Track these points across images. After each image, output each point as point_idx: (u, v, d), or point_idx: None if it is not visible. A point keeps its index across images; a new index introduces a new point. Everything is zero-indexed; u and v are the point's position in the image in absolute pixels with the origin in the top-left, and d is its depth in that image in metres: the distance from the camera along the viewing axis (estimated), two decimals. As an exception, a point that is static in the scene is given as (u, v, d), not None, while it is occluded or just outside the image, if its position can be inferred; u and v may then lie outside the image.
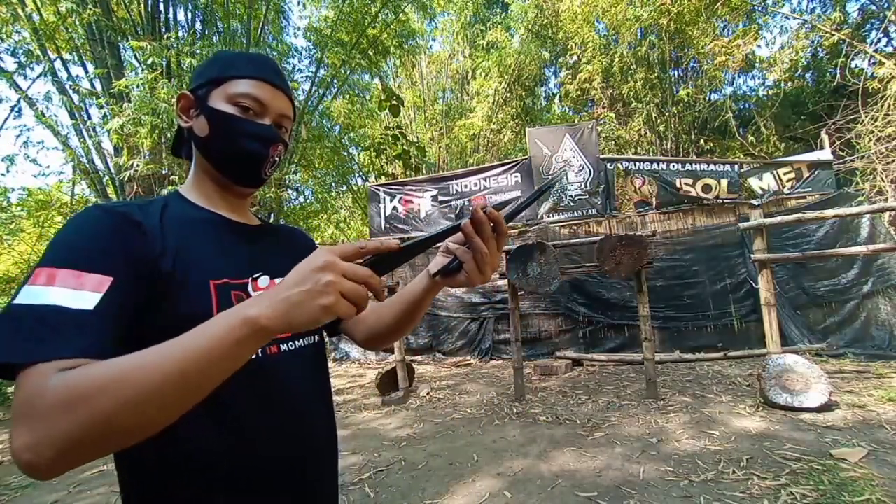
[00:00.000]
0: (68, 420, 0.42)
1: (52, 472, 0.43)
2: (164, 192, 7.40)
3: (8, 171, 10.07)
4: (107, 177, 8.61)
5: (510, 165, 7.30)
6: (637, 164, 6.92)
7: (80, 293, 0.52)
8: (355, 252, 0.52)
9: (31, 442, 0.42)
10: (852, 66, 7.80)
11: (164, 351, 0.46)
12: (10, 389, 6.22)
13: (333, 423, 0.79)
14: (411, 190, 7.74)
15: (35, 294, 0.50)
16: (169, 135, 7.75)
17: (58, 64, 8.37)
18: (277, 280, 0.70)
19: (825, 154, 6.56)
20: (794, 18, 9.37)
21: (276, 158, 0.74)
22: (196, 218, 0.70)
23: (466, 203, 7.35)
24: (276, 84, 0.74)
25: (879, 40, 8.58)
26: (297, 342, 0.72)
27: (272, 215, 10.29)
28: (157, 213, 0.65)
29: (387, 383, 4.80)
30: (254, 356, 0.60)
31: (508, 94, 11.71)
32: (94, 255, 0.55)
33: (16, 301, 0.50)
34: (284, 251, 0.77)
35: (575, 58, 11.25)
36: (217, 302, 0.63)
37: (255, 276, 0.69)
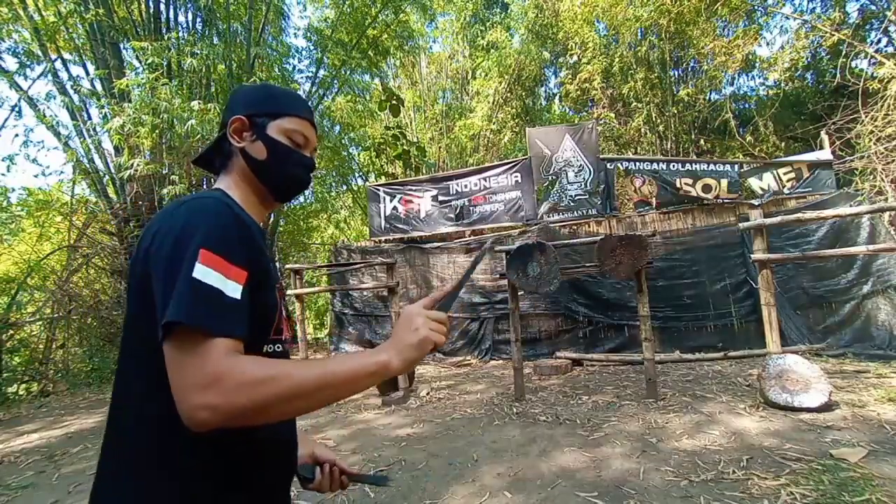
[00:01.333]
0: (249, 397, 0.56)
1: (212, 429, 0.56)
2: (165, 191, 7.41)
3: (8, 171, 10.07)
4: (107, 177, 8.61)
5: (510, 165, 7.30)
6: (637, 164, 6.92)
7: (229, 282, 0.62)
8: (432, 302, 0.79)
9: (214, 403, 0.55)
10: (852, 66, 7.80)
11: (319, 368, 0.62)
12: (11, 389, 6.22)
13: None
14: (411, 190, 7.74)
15: (204, 272, 0.60)
16: (169, 135, 7.75)
17: (58, 64, 8.38)
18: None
19: (825, 154, 6.56)
20: (794, 18, 9.38)
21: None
22: (255, 226, 0.80)
23: (466, 203, 7.35)
24: (314, 123, 0.91)
25: (879, 40, 8.58)
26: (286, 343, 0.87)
27: (272, 215, 10.30)
28: (251, 223, 0.76)
29: (387, 383, 4.80)
30: (280, 349, 0.78)
31: (508, 94, 11.71)
32: (236, 248, 0.65)
33: (193, 274, 0.59)
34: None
35: (575, 58, 11.26)
36: (280, 296, 0.79)
37: (280, 282, 0.84)
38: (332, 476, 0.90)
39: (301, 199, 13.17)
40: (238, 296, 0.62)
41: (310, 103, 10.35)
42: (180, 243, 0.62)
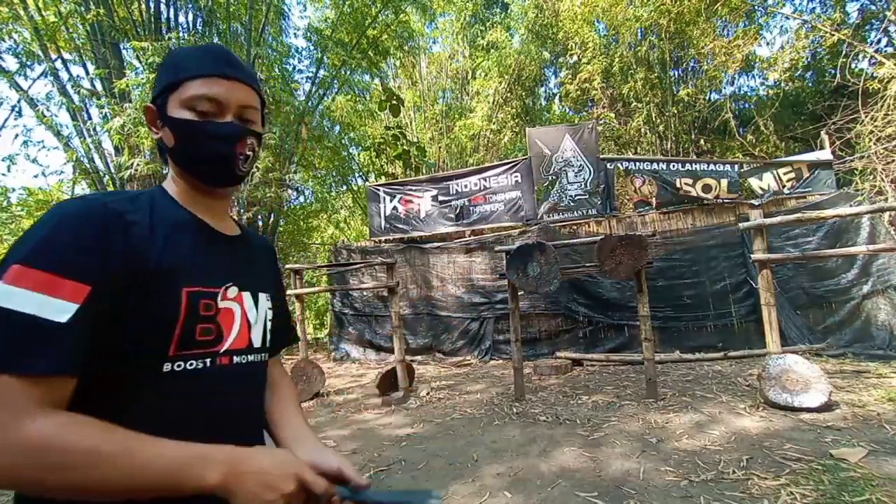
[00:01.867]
0: (29, 473, 0.47)
1: None
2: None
3: (9, 171, 10.07)
4: (107, 177, 8.61)
5: (510, 165, 7.30)
6: (637, 164, 6.92)
7: (54, 301, 0.50)
8: (321, 472, 0.62)
9: None
10: (852, 66, 7.81)
11: (130, 461, 0.50)
12: None
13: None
14: (411, 190, 7.74)
15: (8, 294, 0.49)
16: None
17: (58, 64, 8.38)
18: (245, 294, 0.72)
19: (825, 154, 6.56)
20: (794, 18, 9.37)
21: (249, 153, 0.73)
22: (181, 220, 0.69)
23: (466, 203, 7.35)
24: (230, 75, 0.70)
25: (879, 40, 8.58)
26: (250, 356, 0.73)
27: (272, 215, 10.30)
28: (146, 210, 0.65)
29: (387, 383, 4.80)
30: (203, 366, 0.65)
31: (508, 94, 11.71)
32: (74, 257, 0.54)
33: None
34: (256, 263, 0.81)
35: (575, 58, 11.26)
36: (186, 309, 0.62)
37: (227, 285, 0.69)
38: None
39: (301, 199, 13.18)
40: (64, 318, 0.50)
41: (310, 103, 10.32)
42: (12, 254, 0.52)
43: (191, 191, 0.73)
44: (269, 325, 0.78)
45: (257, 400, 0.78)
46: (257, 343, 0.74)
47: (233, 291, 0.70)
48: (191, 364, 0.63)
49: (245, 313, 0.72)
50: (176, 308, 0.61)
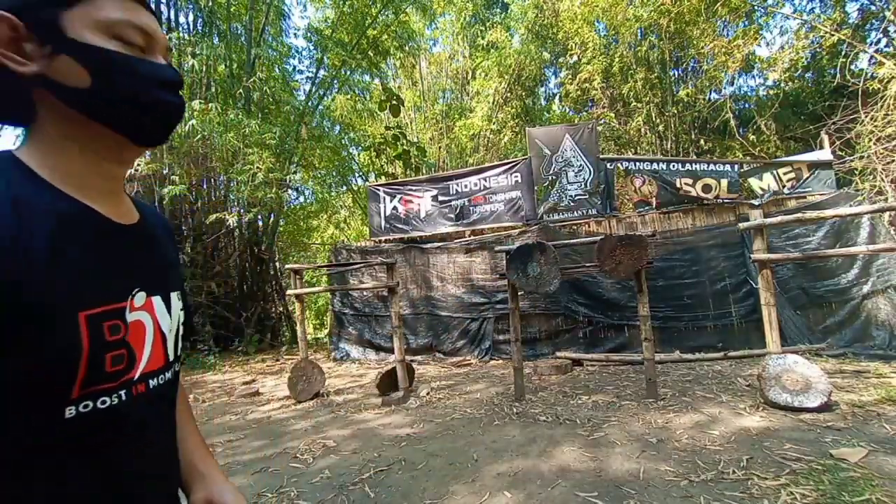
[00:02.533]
0: None
1: None
2: (165, 191, 7.40)
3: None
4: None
5: (510, 165, 7.30)
6: (637, 164, 6.92)
7: None
8: None
9: None
10: (852, 66, 7.81)
11: None
12: None
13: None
14: (411, 190, 7.74)
15: None
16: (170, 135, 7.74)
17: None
18: (154, 298, 0.58)
19: (825, 154, 6.56)
20: (794, 18, 9.38)
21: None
22: (66, 215, 0.49)
23: (466, 203, 7.35)
24: (149, 5, 0.56)
25: (879, 40, 8.58)
26: (167, 374, 0.60)
27: (272, 215, 10.31)
28: (6, 209, 0.44)
29: (387, 383, 4.80)
30: (116, 401, 0.51)
31: (508, 95, 11.71)
32: None
33: None
34: (160, 254, 0.64)
35: (575, 58, 11.26)
36: (88, 340, 0.47)
37: (133, 293, 0.54)
38: None
39: (301, 199, 13.15)
40: None
41: (310, 103, 10.38)
42: None
43: (80, 164, 0.52)
44: (181, 329, 0.64)
45: (173, 430, 0.65)
46: (172, 356, 0.61)
47: (140, 298, 0.55)
48: (102, 402, 0.49)
49: (157, 323, 0.57)
50: (76, 341, 0.46)
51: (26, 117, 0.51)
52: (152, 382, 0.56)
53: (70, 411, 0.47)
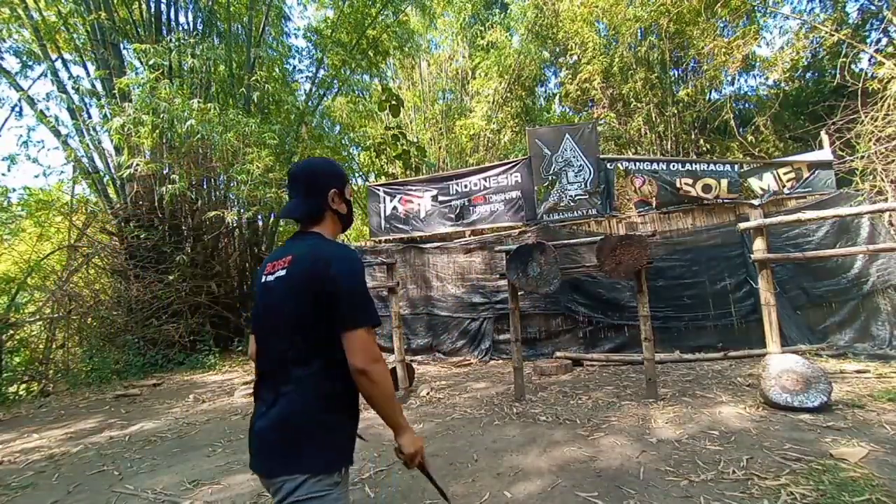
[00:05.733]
0: (381, 374, 1.12)
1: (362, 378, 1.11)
2: (164, 191, 7.41)
3: (9, 171, 10.07)
4: (107, 176, 8.61)
5: (510, 165, 7.30)
6: (637, 164, 6.91)
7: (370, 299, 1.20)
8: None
9: (375, 369, 1.10)
10: (852, 66, 7.80)
11: (396, 406, 1.18)
12: (11, 389, 6.23)
13: None
14: (411, 190, 7.74)
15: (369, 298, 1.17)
16: (170, 134, 7.76)
17: (58, 64, 8.38)
18: None
19: (825, 154, 6.56)
20: (795, 18, 9.37)
21: None
22: None
23: (466, 203, 7.34)
24: None
25: (879, 40, 8.58)
26: None
27: (273, 215, 10.31)
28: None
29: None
30: None
31: (508, 94, 11.70)
32: None
33: (367, 299, 1.14)
34: None
35: (575, 58, 11.26)
36: None
37: None
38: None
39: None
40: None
41: (310, 103, 10.40)
42: (357, 276, 1.14)
43: (333, 236, 1.30)
44: None
45: None
46: None
47: None
48: None
49: None
50: None
51: (318, 219, 1.27)
52: None
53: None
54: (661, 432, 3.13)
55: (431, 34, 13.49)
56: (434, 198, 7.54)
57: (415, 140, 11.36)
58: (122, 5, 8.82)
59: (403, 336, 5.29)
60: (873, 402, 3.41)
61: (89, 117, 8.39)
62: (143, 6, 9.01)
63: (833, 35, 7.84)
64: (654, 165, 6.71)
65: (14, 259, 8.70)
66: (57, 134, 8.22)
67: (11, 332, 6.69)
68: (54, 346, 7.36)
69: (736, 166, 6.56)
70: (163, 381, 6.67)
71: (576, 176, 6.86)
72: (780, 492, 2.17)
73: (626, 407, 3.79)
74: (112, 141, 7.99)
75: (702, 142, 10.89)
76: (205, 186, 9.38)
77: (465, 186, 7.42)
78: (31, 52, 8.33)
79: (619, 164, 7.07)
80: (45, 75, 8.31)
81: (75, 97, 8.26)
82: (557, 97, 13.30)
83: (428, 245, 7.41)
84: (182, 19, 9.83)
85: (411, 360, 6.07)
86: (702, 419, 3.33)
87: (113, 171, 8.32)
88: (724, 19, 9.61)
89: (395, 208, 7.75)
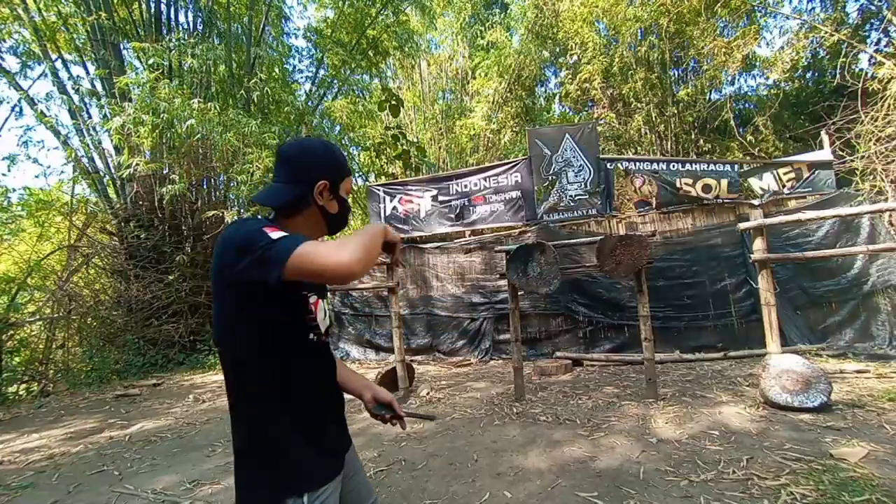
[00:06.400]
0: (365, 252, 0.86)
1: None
2: (165, 190, 7.42)
3: (9, 171, 10.08)
4: (107, 176, 8.60)
5: (510, 165, 7.30)
6: (637, 163, 6.92)
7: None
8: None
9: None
10: (852, 66, 7.80)
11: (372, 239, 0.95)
12: (11, 389, 6.23)
13: None
14: (411, 190, 7.74)
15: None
16: (169, 134, 7.76)
17: (58, 64, 8.38)
18: (320, 300, 1.08)
19: (825, 154, 6.56)
20: (794, 18, 9.37)
21: None
22: None
23: (466, 203, 7.34)
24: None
25: (879, 40, 8.58)
26: (328, 334, 1.11)
27: (271, 214, 10.28)
28: None
29: (387, 383, 4.79)
30: (316, 338, 1.02)
31: (508, 94, 11.69)
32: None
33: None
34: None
35: (575, 58, 11.25)
36: (306, 303, 1.03)
37: (311, 293, 1.05)
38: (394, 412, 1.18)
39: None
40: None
41: (310, 103, 10.39)
42: (242, 227, 0.91)
43: (311, 235, 1.07)
44: (331, 316, 1.17)
45: (335, 361, 1.18)
46: (329, 325, 1.12)
47: (313, 297, 1.02)
48: (313, 336, 1.01)
49: (322, 309, 1.07)
50: (306, 304, 1.00)
51: (295, 212, 1.03)
52: (325, 336, 1.05)
53: (311, 336, 1.00)
54: (661, 432, 3.13)
55: (431, 34, 13.49)
56: (434, 198, 7.54)
57: (415, 140, 11.35)
58: (122, 5, 8.82)
59: (403, 336, 5.29)
60: (873, 402, 3.42)
61: (89, 117, 8.40)
62: (143, 6, 9.01)
63: (833, 35, 7.83)
64: (654, 165, 6.71)
65: (14, 259, 8.70)
66: (57, 134, 8.22)
67: (11, 332, 6.69)
68: (54, 346, 7.37)
69: (736, 166, 6.56)
70: (163, 381, 6.67)
71: (576, 176, 6.86)
72: (780, 492, 2.17)
73: (626, 407, 3.79)
74: (112, 141, 7.99)
75: (702, 142, 10.88)
76: (205, 186, 9.37)
77: (465, 186, 7.42)
78: (31, 52, 8.33)
79: (619, 164, 7.07)
80: (45, 75, 8.32)
81: (75, 97, 8.26)
82: (557, 97, 13.30)
83: (428, 245, 7.41)
84: (182, 19, 9.84)
85: (411, 360, 6.07)
86: (702, 419, 3.33)
87: (113, 171, 8.32)
88: (724, 19, 9.60)
89: (394, 208, 7.75)
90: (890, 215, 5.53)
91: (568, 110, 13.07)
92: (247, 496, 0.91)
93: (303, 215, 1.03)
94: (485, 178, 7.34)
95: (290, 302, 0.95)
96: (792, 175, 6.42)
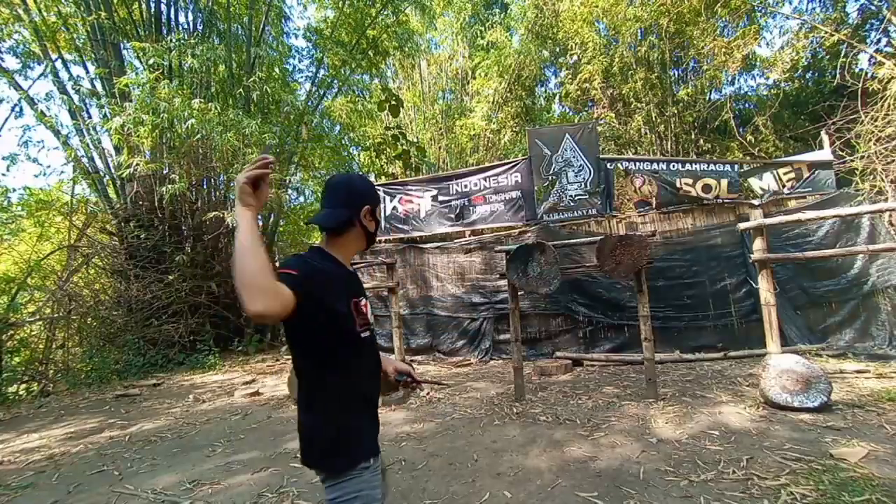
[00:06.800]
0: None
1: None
2: (164, 190, 7.41)
3: (9, 171, 10.07)
4: (107, 176, 8.60)
5: (510, 165, 7.30)
6: (637, 164, 6.91)
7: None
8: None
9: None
10: (852, 66, 7.80)
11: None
12: (11, 389, 6.23)
13: None
14: (411, 190, 7.74)
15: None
16: (169, 134, 7.75)
17: (58, 64, 8.38)
18: (365, 300, 1.32)
19: (825, 154, 6.56)
20: (794, 18, 9.37)
21: None
22: (342, 272, 1.27)
23: (466, 203, 7.34)
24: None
25: (879, 40, 8.58)
26: (373, 329, 1.35)
27: (272, 215, 10.31)
28: (328, 268, 1.24)
29: (387, 384, 4.79)
30: (367, 334, 1.28)
31: (508, 94, 11.69)
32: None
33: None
34: (359, 280, 1.44)
35: (575, 58, 11.25)
36: (351, 308, 1.24)
37: (361, 295, 1.30)
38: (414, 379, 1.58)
39: (301, 199, 13.26)
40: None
41: (310, 103, 10.41)
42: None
43: (348, 253, 1.33)
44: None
45: (378, 353, 1.44)
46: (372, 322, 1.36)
47: (362, 299, 1.29)
48: (364, 333, 1.25)
49: (370, 308, 1.32)
50: (349, 309, 1.22)
51: (345, 231, 1.28)
52: (371, 331, 1.30)
53: (363, 334, 1.24)
54: (661, 432, 3.13)
55: (431, 34, 13.49)
56: (434, 198, 7.54)
57: (415, 140, 11.35)
58: (122, 5, 8.82)
59: (403, 336, 5.29)
60: (873, 402, 3.41)
61: (89, 117, 8.39)
62: (143, 6, 9.01)
63: (833, 35, 7.83)
64: (654, 165, 6.71)
65: (14, 259, 8.70)
66: (57, 134, 8.22)
67: (11, 332, 6.69)
68: (54, 346, 7.37)
69: (736, 166, 6.56)
70: (163, 381, 6.67)
71: (576, 176, 6.86)
72: (780, 492, 2.17)
73: (626, 407, 3.78)
74: (112, 141, 7.98)
75: (702, 142, 10.88)
76: (205, 186, 9.38)
77: (465, 186, 7.42)
78: (31, 52, 8.33)
79: (619, 164, 7.07)
80: (45, 75, 8.32)
81: (75, 97, 8.26)
82: (557, 97, 13.30)
83: (428, 245, 7.41)
84: (182, 19, 9.84)
85: (411, 360, 6.07)
86: (702, 419, 3.33)
87: (113, 170, 8.32)
88: (724, 19, 9.60)
89: (394, 208, 7.75)
90: (890, 215, 5.53)
91: (568, 110, 13.08)
92: (328, 465, 1.23)
93: (349, 233, 1.29)
94: (485, 178, 7.34)
95: (349, 311, 1.21)
96: (792, 175, 6.42)
